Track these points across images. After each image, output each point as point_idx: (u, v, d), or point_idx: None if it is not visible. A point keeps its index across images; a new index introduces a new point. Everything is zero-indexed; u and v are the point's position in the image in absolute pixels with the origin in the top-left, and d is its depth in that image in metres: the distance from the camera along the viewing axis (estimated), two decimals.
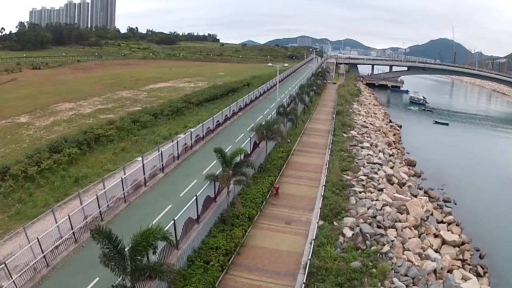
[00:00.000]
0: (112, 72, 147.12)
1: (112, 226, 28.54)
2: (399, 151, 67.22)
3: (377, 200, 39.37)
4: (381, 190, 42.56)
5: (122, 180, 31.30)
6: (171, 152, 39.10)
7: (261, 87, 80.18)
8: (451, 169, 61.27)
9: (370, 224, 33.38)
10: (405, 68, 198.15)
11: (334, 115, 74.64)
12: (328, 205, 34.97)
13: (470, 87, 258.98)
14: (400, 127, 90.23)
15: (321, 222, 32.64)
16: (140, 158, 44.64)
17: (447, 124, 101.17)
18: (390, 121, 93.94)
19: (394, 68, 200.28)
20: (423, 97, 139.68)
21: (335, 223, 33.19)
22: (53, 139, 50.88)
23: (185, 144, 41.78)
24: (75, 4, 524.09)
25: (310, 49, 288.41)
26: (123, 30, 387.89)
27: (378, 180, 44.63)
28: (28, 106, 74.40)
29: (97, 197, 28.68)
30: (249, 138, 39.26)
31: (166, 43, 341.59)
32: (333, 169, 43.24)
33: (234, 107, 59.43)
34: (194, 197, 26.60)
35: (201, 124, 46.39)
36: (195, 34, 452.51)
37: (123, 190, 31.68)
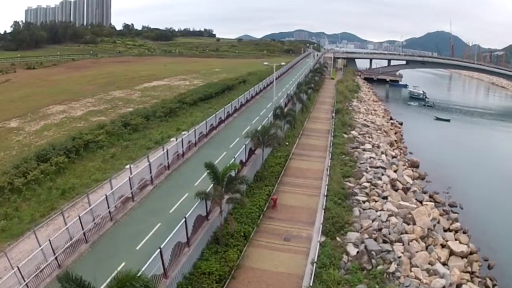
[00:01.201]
0: (107, 70, 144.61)
1: (97, 249, 26.53)
2: (401, 151, 64.97)
3: (382, 210, 37.07)
4: (385, 198, 40.20)
5: (106, 198, 28.73)
6: (161, 162, 36.43)
7: (257, 86, 77.18)
8: (455, 169, 59.39)
9: (375, 239, 31.07)
10: (404, 62, 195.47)
11: (333, 114, 72.02)
12: (330, 218, 32.45)
13: (468, 80, 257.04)
14: (401, 124, 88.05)
15: (323, 239, 30.18)
16: (130, 165, 42.97)
17: (448, 121, 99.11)
18: (391, 118, 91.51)
19: (393, 62, 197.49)
20: (423, 91, 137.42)
21: (338, 238, 30.73)
22: (42, 145, 49.15)
23: (176, 152, 39.02)
24: (70, 1, 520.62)
25: (308, 45, 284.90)
26: (119, 27, 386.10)
27: (382, 187, 42.18)
28: (20, 109, 72.76)
29: (79, 218, 26.18)
30: (244, 146, 36.51)
31: (162, 39, 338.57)
32: (334, 176, 40.70)
33: (229, 109, 56.40)
34: (183, 219, 24.03)
35: (193, 129, 43.48)
36: (191, 29, 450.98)
37: (108, 208, 29.12)
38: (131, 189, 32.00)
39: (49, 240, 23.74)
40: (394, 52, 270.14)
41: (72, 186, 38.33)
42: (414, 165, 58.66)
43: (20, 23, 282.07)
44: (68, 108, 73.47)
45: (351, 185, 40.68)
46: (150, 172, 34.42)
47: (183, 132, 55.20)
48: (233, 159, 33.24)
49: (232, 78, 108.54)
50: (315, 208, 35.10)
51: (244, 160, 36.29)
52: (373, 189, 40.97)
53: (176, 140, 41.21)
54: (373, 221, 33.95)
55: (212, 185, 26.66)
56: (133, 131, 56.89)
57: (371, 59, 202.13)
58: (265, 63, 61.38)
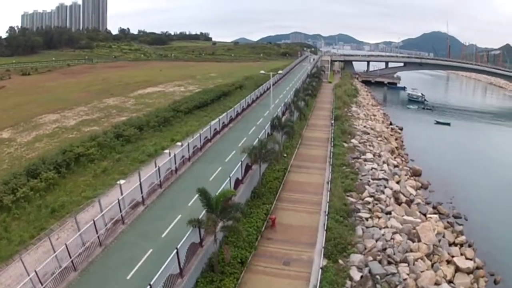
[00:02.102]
0: (102, 76, 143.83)
1: (86, 277, 24.78)
2: (403, 159, 63.27)
3: (385, 227, 35.44)
4: (389, 213, 38.51)
5: (94, 223, 26.92)
6: (153, 181, 34.53)
7: (254, 93, 75.11)
8: (458, 177, 58.03)
9: (380, 261, 29.39)
10: (401, 64, 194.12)
11: (332, 121, 70.19)
12: (332, 239, 30.61)
13: (466, 81, 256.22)
14: (401, 129, 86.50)
15: (324, 262, 28.36)
16: (121, 182, 41.11)
17: (448, 124, 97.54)
18: (391, 124, 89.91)
19: (390, 64, 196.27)
20: (422, 94, 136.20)
21: (340, 261, 28.93)
22: (33, 158, 47.67)
23: (169, 168, 37.10)
24: (66, 6, 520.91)
25: (305, 48, 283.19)
26: (115, 31, 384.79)
27: (385, 201, 40.46)
28: (13, 118, 71.85)
29: (66, 247, 24.59)
30: (240, 162, 34.58)
31: (158, 44, 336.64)
32: (335, 191, 38.84)
33: (224, 119, 54.43)
34: (175, 250, 22.22)
35: (187, 143, 41.45)
36: (187, 33, 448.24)
37: (97, 233, 27.30)
38: (121, 211, 30.14)
39: (35, 271, 22.55)
40: (391, 54, 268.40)
41: (62, 204, 36.69)
42: (416, 174, 57.23)
43: (16, 28, 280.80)
44: (61, 117, 72.17)
45: (353, 200, 38.90)
46: (141, 192, 32.51)
47: (178, 143, 53.55)
48: (228, 180, 31.30)
49: (228, 83, 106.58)
50: (316, 227, 33.25)
51: (240, 178, 34.42)
52: (376, 204, 39.24)
53: (169, 154, 39.19)
54: (377, 240, 32.26)
55: (205, 211, 24.81)
56: (126, 143, 54.94)
57: (368, 62, 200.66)
58: (262, 71, 59.40)
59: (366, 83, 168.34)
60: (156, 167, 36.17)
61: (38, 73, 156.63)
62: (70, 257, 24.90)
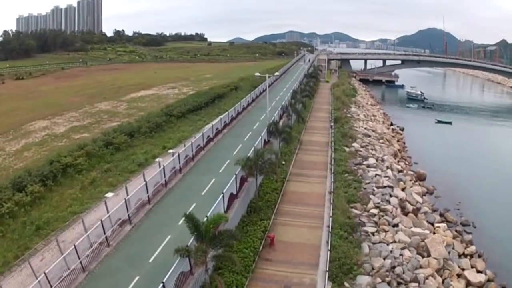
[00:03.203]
0: (95, 79, 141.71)
1: None
2: (406, 162, 60.87)
3: (393, 242, 32.81)
4: (396, 225, 35.90)
5: (76, 248, 24.27)
6: (140, 197, 31.74)
7: (249, 95, 72.09)
8: (463, 179, 56.01)
9: (389, 283, 26.83)
10: (399, 62, 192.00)
11: (331, 123, 67.44)
12: (336, 259, 27.88)
13: (463, 77, 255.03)
14: (403, 130, 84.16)
15: (329, 286, 25.67)
16: (109, 195, 37.42)
17: (450, 123, 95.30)
18: (392, 124, 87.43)
19: (388, 62, 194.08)
20: (421, 92, 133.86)
21: (346, 284, 26.30)
22: (20, 169, 45.82)
23: (158, 182, 34.28)
24: (61, 9, 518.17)
25: (301, 48, 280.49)
26: (110, 33, 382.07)
27: (391, 212, 37.81)
28: (3, 125, 70.20)
29: (45, 275, 21.96)
30: (234, 176, 31.68)
31: (153, 45, 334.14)
32: (338, 203, 36.05)
33: (218, 125, 51.45)
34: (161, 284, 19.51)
35: (177, 154, 38.49)
36: (183, 34, 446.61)
37: (79, 258, 24.63)
38: (105, 232, 27.41)
39: None
40: (389, 52, 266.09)
41: (47, 221, 34.25)
42: (421, 178, 55.05)
43: (10, 32, 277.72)
44: (51, 124, 70.38)
45: (358, 212, 36.20)
46: (127, 211, 29.76)
47: (170, 151, 50.94)
48: (221, 196, 28.46)
49: (223, 85, 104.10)
50: (319, 245, 30.44)
51: (235, 192, 31.58)
52: (383, 216, 36.57)
53: (160, 165, 36.40)
54: (384, 258, 29.68)
55: (193, 238, 22.06)
56: (115, 151, 52.35)
57: (365, 60, 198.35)
58: (257, 73, 56.56)
59: (364, 81, 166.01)
60: (144, 180, 33.46)
61: (32, 77, 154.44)
62: (51, 286, 22.37)
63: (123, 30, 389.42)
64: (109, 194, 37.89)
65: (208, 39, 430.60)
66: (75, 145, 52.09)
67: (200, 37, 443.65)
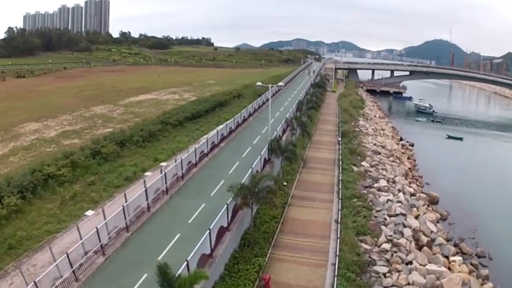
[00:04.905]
0: (96, 81, 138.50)
1: None
2: (418, 183, 56.38)
3: (407, 284, 28.25)
4: (410, 262, 31.35)
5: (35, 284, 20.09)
6: (117, 224, 27.19)
7: (251, 105, 67.30)
8: (478, 203, 52.01)
9: None
10: (407, 73, 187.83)
11: (339, 138, 62.92)
12: None
13: (469, 90, 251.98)
14: (412, 145, 79.68)
15: None
16: (89, 213, 34.42)
17: (461, 139, 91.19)
18: (401, 139, 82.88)
19: (396, 73, 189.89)
20: (429, 105, 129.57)
21: None
22: (2, 175, 42.32)
23: (140, 206, 29.70)
24: (68, 8, 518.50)
25: (308, 55, 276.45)
26: (116, 34, 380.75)
27: (405, 246, 33.19)
28: None
29: None
30: (226, 206, 26.55)
31: (158, 48, 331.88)
32: (346, 236, 31.37)
33: (214, 138, 46.76)
34: None
35: (163, 173, 33.61)
36: (189, 38, 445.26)
37: None
38: (72, 267, 23.05)
39: None
40: (397, 62, 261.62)
41: (20, 239, 30.47)
42: (433, 201, 50.94)
43: (15, 29, 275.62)
44: (42, 127, 66.79)
45: (368, 247, 31.58)
46: (100, 241, 25.31)
47: (162, 164, 46.81)
48: (208, 233, 23.68)
49: (226, 91, 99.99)
50: None
51: (226, 225, 26.91)
52: (395, 252, 31.98)
53: (145, 184, 31.88)
54: None
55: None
56: (103, 161, 48.06)
57: (373, 70, 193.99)
58: (258, 83, 52.08)
59: (371, 92, 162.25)
60: (125, 202, 29.07)
61: (33, 75, 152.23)
62: None
63: (129, 32, 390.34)
64: (89, 212, 34.67)
65: (215, 44, 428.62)
66: (61, 153, 48.21)
67: (207, 42, 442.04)
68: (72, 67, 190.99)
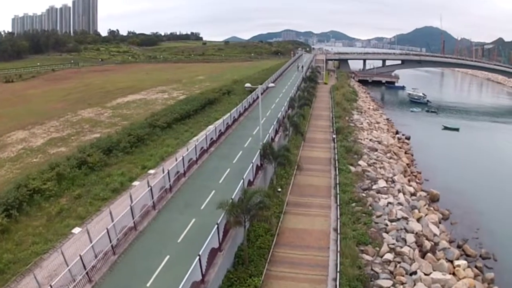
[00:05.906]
0: (85, 82, 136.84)
1: None
2: (417, 180, 54.83)
3: None
4: (414, 273, 29.64)
5: None
6: (102, 248, 25.08)
7: (241, 105, 64.94)
8: (479, 198, 50.70)
9: None
10: (399, 62, 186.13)
11: (333, 135, 61.01)
12: None
13: (461, 76, 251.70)
14: (409, 138, 78.12)
15: None
16: (76, 230, 33.01)
17: (457, 130, 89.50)
18: (397, 132, 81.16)
19: (388, 62, 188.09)
20: (423, 94, 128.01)
21: None
22: None
23: (126, 226, 27.61)
24: (57, 9, 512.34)
25: (298, 47, 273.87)
26: (105, 33, 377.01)
27: (408, 255, 31.43)
28: None
29: None
30: (216, 226, 24.34)
31: (147, 45, 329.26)
32: (345, 247, 29.47)
33: (203, 144, 44.45)
34: None
35: (149, 187, 31.15)
36: (178, 33, 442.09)
37: None
38: None
39: None
40: (388, 51, 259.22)
41: (7, 263, 28.75)
42: (434, 199, 49.50)
43: (2, 33, 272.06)
44: (29, 135, 65.14)
45: (369, 258, 29.80)
46: (85, 268, 23.30)
47: (150, 171, 44.94)
48: (197, 259, 21.60)
49: (215, 88, 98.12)
50: None
51: (217, 245, 24.90)
52: (399, 263, 30.22)
53: (131, 199, 29.79)
54: None
55: None
56: (89, 171, 46.24)
57: (364, 60, 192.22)
58: (247, 84, 49.82)
59: (363, 82, 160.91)
60: (111, 221, 27.01)
61: (22, 79, 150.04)
62: None
63: (117, 30, 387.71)
64: (76, 230, 33.29)
65: (204, 39, 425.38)
66: (47, 164, 46.39)
67: (196, 37, 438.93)
68: (60, 68, 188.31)
